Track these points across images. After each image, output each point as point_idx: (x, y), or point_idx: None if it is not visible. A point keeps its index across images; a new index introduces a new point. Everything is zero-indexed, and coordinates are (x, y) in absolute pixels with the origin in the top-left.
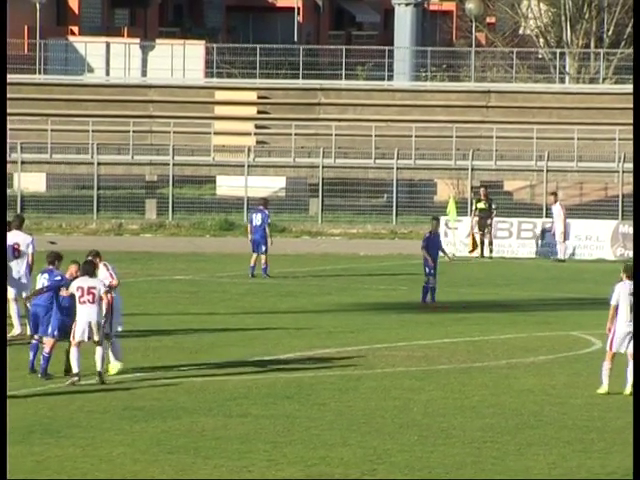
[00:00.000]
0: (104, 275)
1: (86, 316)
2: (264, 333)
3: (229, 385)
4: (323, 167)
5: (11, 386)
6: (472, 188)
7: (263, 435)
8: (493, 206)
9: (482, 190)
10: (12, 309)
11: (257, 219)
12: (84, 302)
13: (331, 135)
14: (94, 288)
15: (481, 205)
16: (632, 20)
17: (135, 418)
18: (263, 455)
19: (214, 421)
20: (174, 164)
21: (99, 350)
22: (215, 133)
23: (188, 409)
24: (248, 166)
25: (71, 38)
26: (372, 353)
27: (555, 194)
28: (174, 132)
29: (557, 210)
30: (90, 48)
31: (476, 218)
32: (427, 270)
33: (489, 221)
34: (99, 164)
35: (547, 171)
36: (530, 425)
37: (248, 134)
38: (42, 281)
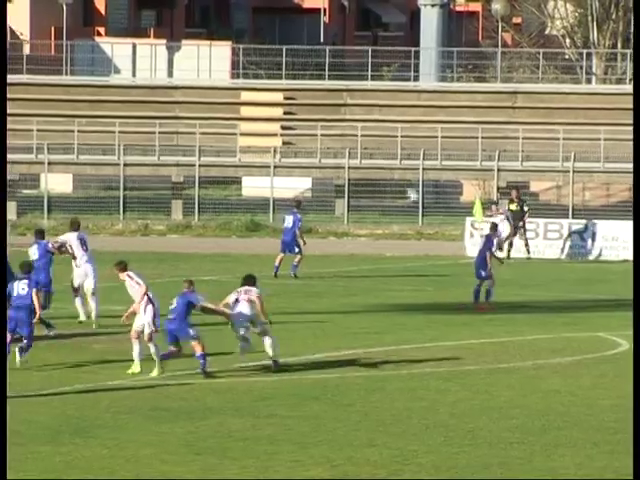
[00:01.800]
0: (130, 286)
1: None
2: (290, 334)
3: (256, 386)
4: (349, 168)
5: (43, 386)
6: (498, 189)
7: (290, 436)
8: (525, 208)
9: (514, 192)
10: (77, 302)
11: (288, 221)
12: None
13: (357, 136)
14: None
15: (513, 207)
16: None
17: (162, 419)
18: (290, 455)
19: (242, 422)
20: (200, 165)
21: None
22: (241, 134)
23: (216, 410)
24: (274, 167)
25: (97, 39)
26: (398, 354)
27: (496, 203)
28: (200, 133)
29: (500, 217)
30: (116, 49)
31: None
32: (483, 274)
33: (521, 223)
34: (125, 165)
35: (573, 172)
36: (557, 426)
37: (274, 135)
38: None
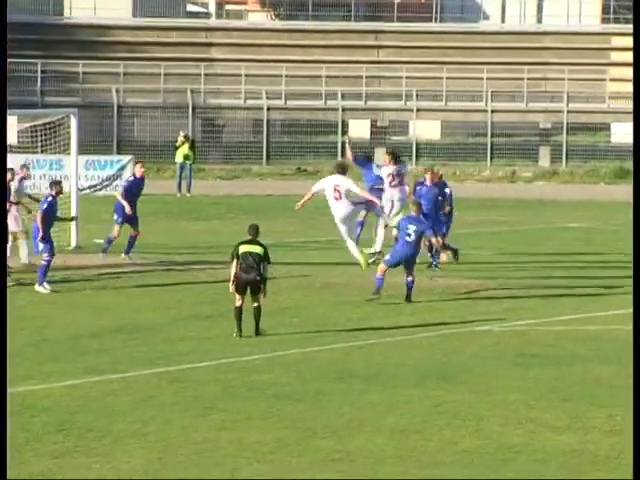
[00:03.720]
0: None
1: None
2: None
3: (622, 334)
4: None
5: (408, 328)
6: None
7: None
8: None
9: None
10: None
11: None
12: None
13: None
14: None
15: None
16: None
17: (529, 364)
18: None
19: (608, 369)
20: (568, 111)
21: None
22: (611, 79)
23: (582, 357)
24: None
25: None
26: None
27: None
28: (569, 79)
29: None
30: None
31: None
32: None
33: None
34: (493, 112)
35: None
36: None
37: None
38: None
